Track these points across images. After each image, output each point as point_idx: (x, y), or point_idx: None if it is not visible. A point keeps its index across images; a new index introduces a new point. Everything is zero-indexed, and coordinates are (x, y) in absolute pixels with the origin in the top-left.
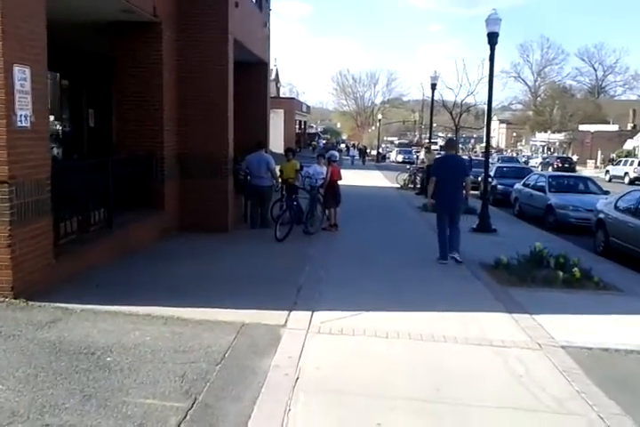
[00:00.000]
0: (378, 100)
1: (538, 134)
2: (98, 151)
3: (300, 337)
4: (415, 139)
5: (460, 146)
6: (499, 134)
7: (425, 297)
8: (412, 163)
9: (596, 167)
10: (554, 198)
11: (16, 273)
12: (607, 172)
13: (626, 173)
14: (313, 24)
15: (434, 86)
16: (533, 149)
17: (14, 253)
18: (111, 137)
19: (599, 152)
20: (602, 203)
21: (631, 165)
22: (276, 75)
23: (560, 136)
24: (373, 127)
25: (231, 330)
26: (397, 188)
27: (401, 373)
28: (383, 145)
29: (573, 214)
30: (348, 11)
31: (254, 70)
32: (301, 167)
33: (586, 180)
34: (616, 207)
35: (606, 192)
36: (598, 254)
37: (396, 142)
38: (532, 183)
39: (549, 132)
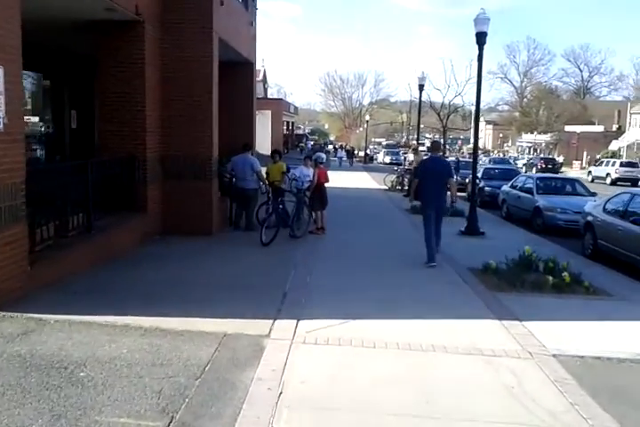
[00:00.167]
0: (365, 101)
1: (524, 135)
2: (80, 153)
3: (285, 348)
4: (403, 140)
5: (447, 147)
6: (485, 135)
7: (413, 304)
8: (400, 164)
9: (582, 168)
10: (542, 200)
11: None
12: (589, 173)
13: (607, 174)
14: (301, 25)
15: (421, 87)
16: (520, 150)
17: None
18: (94, 138)
19: (585, 153)
20: (590, 205)
21: (613, 165)
22: (264, 75)
23: (546, 137)
24: (361, 128)
25: (212, 341)
26: (385, 189)
27: (389, 386)
28: (371, 146)
29: (561, 217)
30: (337, 12)
31: (240, 70)
32: (288, 169)
33: (573, 181)
34: (604, 210)
35: (593, 194)
36: (587, 257)
37: (384, 143)
38: (519, 185)
39: (536, 133)
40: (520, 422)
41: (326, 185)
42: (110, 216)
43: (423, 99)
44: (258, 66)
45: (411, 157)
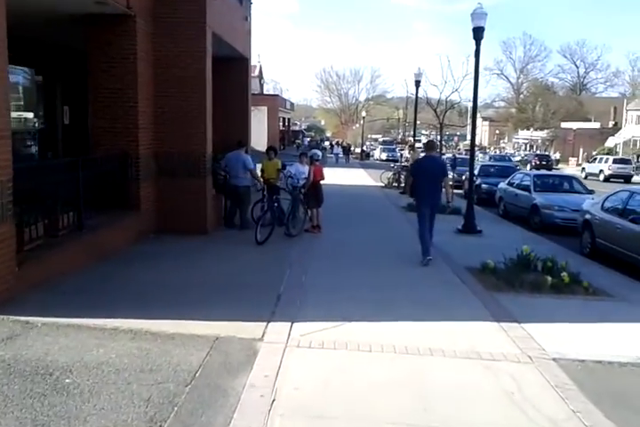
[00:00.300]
0: (362, 98)
1: (520, 132)
2: (73, 150)
3: (278, 352)
4: (399, 136)
5: (443, 144)
6: (482, 132)
7: (410, 305)
8: (396, 161)
9: (578, 165)
10: (539, 198)
11: None
12: (583, 169)
13: (601, 171)
14: (298, 21)
15: (418, 83)
16: (516, 146)
17: None
18: (87, 135)
19: (581, 150)
20: (588, 203)
21: (606, 162)
22: (260, 71)
23: (542, 134)
24: (357, 125)
25: (204, 345)
26: (381, 186)
27: (386, 392)
28: (367, 143)
29: (559, 215)
30: (333, 8)
31: (235, 66)
32: (284, 166)
33: (571, 179)
34: (603, 208)
35: (591, 191)
36: (585, 256)
37: (380, 140)
38: (516, 182)
39: (532, 129)
40: None
41: (322, 182)
42: (102, 215)
43: (420, 95)
44: (254, 62)
45: (407, 153)
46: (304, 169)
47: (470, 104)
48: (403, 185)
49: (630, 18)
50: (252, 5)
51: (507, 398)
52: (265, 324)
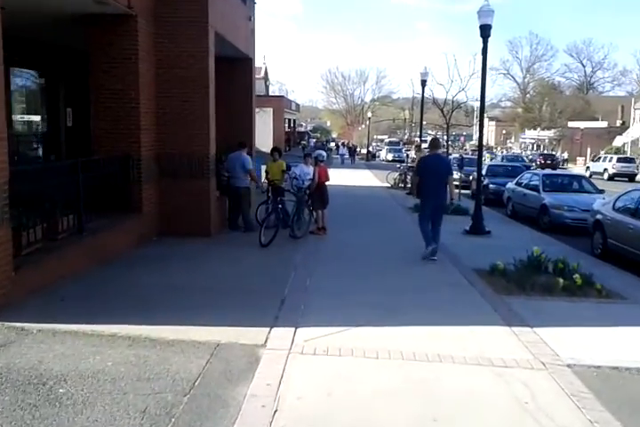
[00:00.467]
0: (367, 98)
1: (527, 131)
2: (76, 152)
3: (281, 359)
4: (405, 137)
5: (450, 144)
6: (488, 132)
7: (418, 308)
8: (403, 161)
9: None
10: (548, 198)
11: None
12: (587, 168)
13: (605, 170)
14: (302, 23)
15: (424, 82)
16: (523, 146)
17: None
18: (90, 137)
19: (589, 149)
20: (599, 203)
21: (610, 161)
22: (265, 73)
23: (550, 133)
24: (363, 126)
25: (204, 352)
26: (388, 187)
27: (393, 401)
28: (373, 143)
29: (569, 215)
30: (338, 9)
31: (239, 66)
32: (289, 168)
33: (580, 178)
34: (614, 208)
35: (601, 191)
36: (596, 257)
37: (386, 141)
38: (525, 182)
39: (539, 129)
40: None
41: (327, 183)
42: (104, 217)
43: (426, 94)
44: (259, 63)
45: (413, 154)
46: (309, 170)
47: (477, 103)
48: (409, 186)
49: (637, 17)
50: (255, 5)
51: (519, 407)
52: (268, 329)
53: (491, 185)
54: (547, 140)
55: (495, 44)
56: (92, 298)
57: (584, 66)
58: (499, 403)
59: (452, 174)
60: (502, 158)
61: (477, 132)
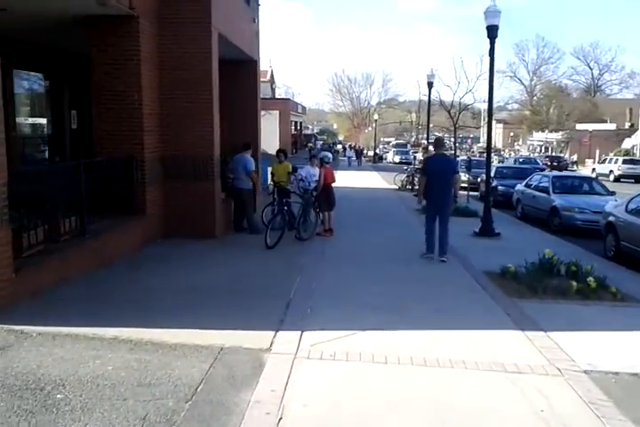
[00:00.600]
0: (374, 101)
1: (535, 134)
2: (81, 153)
3: (287, 364)
4: (412, 139)
5: (457, 146)
6: (495, 134)
7: (428, 312)
8: (410, 163)
9: None
10: (558, 200)
11: None
12: (593, 170)
13: (610, 171)
14: (309, 26)
15: (430, 84)
16: (530, 148)
17: None
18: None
19: (597, 151)
20: (611, 205)
21: (616, 163)
22: (272, 76)
23: (557, 135)
24: (370, 128)
25: (207, 356)
26: (395, 189)
27: (403, 409)
28: (380, 146)
29: (579, 217)
30: (344, 12)
31: (243, 68)
32: (295, 169)
33: (591, 180)
34: (627, 210)
35: (612, 193)
36: (609, 259)
37: (393, 143)
38: (534, 184)
39: (547, 131)
40: None
41: (334, 185)
42: (107, 219)
43: (433, 97)
44: (265, 66)
45: (421, 156)
46: (315, 171)
47: (484, 105)
48: (417, 187)
49: None
50: (259, 7)
51: (535, 417)
52: (273, 333)
53: (499, 187)
54: (554, 143)
55: (502, 47)
56: (93, 300)
57: (591, 68)
58: (513, 412)
59: (457, 173)
60: (515, 161)
61: (484, 135)
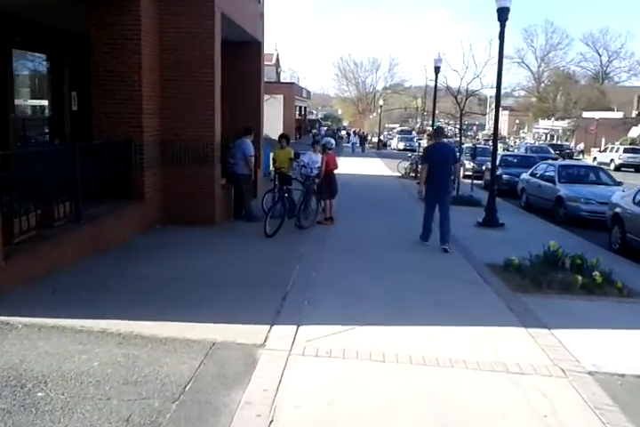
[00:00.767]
0: (379, 86)
1: (541, 121)
2: (81, 136)
3: (280, 361)
4: (417, 126)
5: (462, 133)
6: (501, 122)
7: (428, 306)
8: (414, 150)
9: None
10: (564, 190)
11: None
12: (595, 159)
13: (612, 160)
14: (315, 9)
15: (437, 69)
16: (536, 136)
17: None
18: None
19: (603, 140)
20: (618, 196)
21: (617, 151)
22: (277, 60)
23: (564, 123)
24: (375, 114)
25: (198, 352)
26: (398, 176)
27: (400, 412)
28: (385, 132)
29: (585, 207)
30: None
31: (247, 50)
32: (297, 155)
33: (598, 170)
34: (634, 201)
35: (619, 183)
36: (614, 252)
37: (398, 129)
38: (540, 173)
39: (553, 119)
40: None
41: (336, 172)
42: (104, 204)
43: (440, 82)
44: (271, 50)
45: (425, 142)
46: (317, 158)
47: (491, 91)
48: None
49: None
50: None
51: (539, 422)
52: (268, 327)
53: (504, 175)
54: (560, 131)
55: (510, 33)
56: (85, 290)
57: (600, 55)
58: (516, 416)
59: (458, 161)
60: (526, 149)
61: (490, 121)
